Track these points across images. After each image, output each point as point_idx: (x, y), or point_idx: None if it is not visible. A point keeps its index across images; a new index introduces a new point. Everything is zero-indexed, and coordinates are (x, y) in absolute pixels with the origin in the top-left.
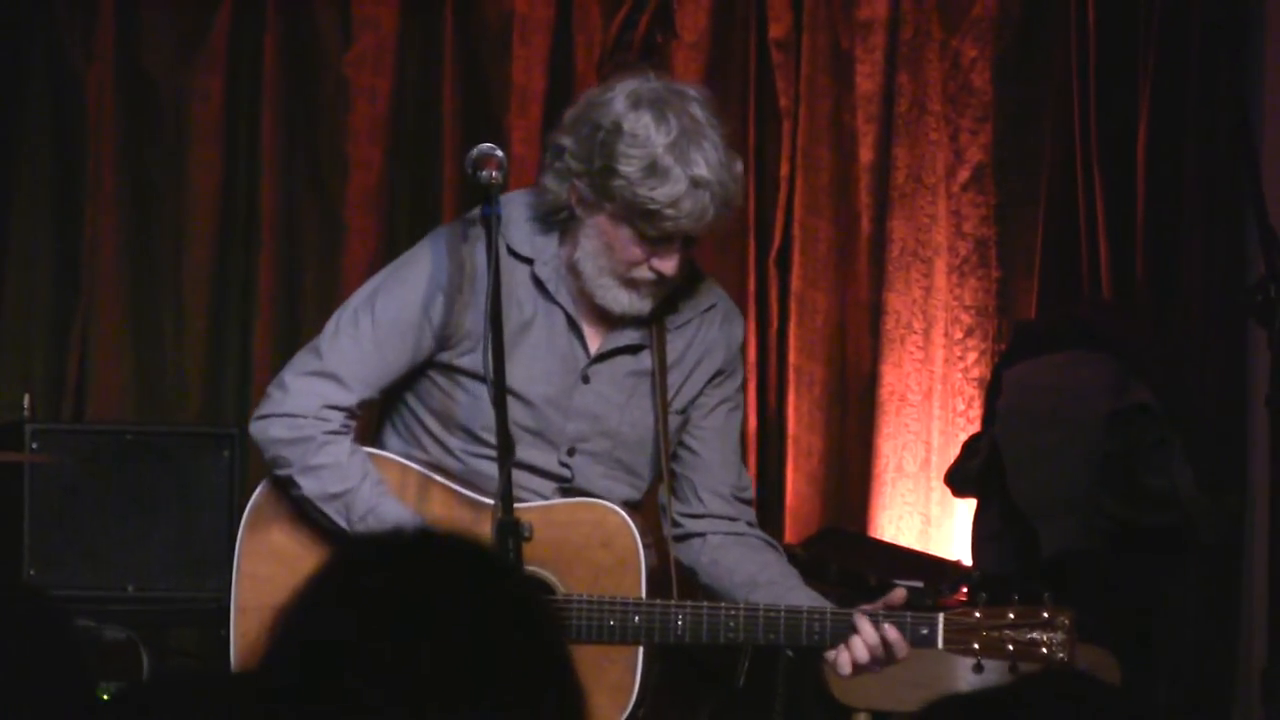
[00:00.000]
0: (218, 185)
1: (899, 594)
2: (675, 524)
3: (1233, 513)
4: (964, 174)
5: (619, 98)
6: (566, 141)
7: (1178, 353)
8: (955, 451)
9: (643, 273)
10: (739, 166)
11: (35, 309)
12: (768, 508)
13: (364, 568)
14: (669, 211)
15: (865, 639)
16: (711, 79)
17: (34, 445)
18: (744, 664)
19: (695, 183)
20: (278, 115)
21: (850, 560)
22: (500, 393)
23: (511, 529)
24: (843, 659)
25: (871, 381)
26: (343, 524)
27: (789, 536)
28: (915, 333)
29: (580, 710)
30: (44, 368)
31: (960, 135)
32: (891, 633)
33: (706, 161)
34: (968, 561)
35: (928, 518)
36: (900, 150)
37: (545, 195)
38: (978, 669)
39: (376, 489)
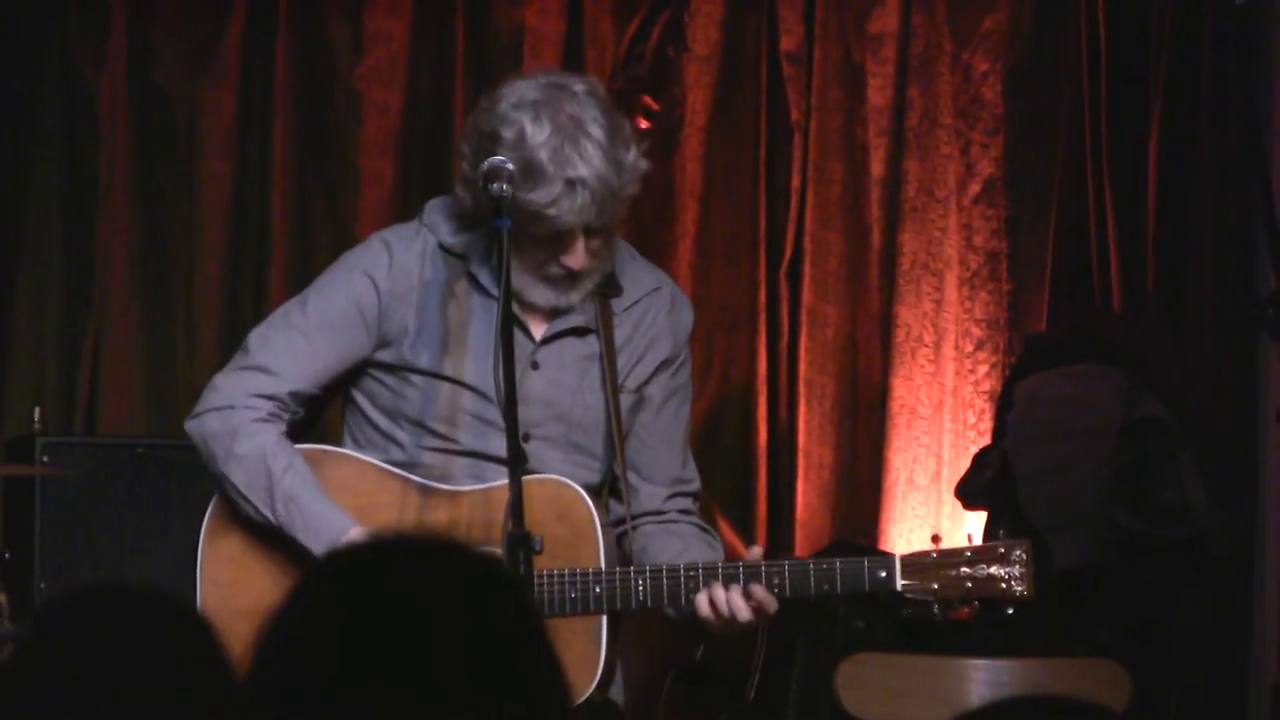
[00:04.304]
0: (229, 198)
1: (755, 551)
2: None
3: (1243, 526)
4: (975, 187)
5: (502, 102)
6: (465, 148)
7: (1189, 365)
8: (966, 464)
9: (552, 269)
10: (629, 156)
11: (47, 322)
12: (778, 520)
13: (344, 572)
14: (549, 212)
15: (710, 592)
16: (723, 92)
17: (45, 458)
18: (754, 676)
19: (571, 183)
20: (289, 128)
21: None
22: (510, 404)
23: (522, 541)
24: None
25: (882, 394)
26: (267, 513)
27: (799, 549)
28: (926, 346)
29: (565, 701)
30: (55, 381)
31: (971, 148)
32: (730, 593)
33: (583, 158)
34: None
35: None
36: (911, 163)
37: (461, 199)
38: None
39: (301, 480)
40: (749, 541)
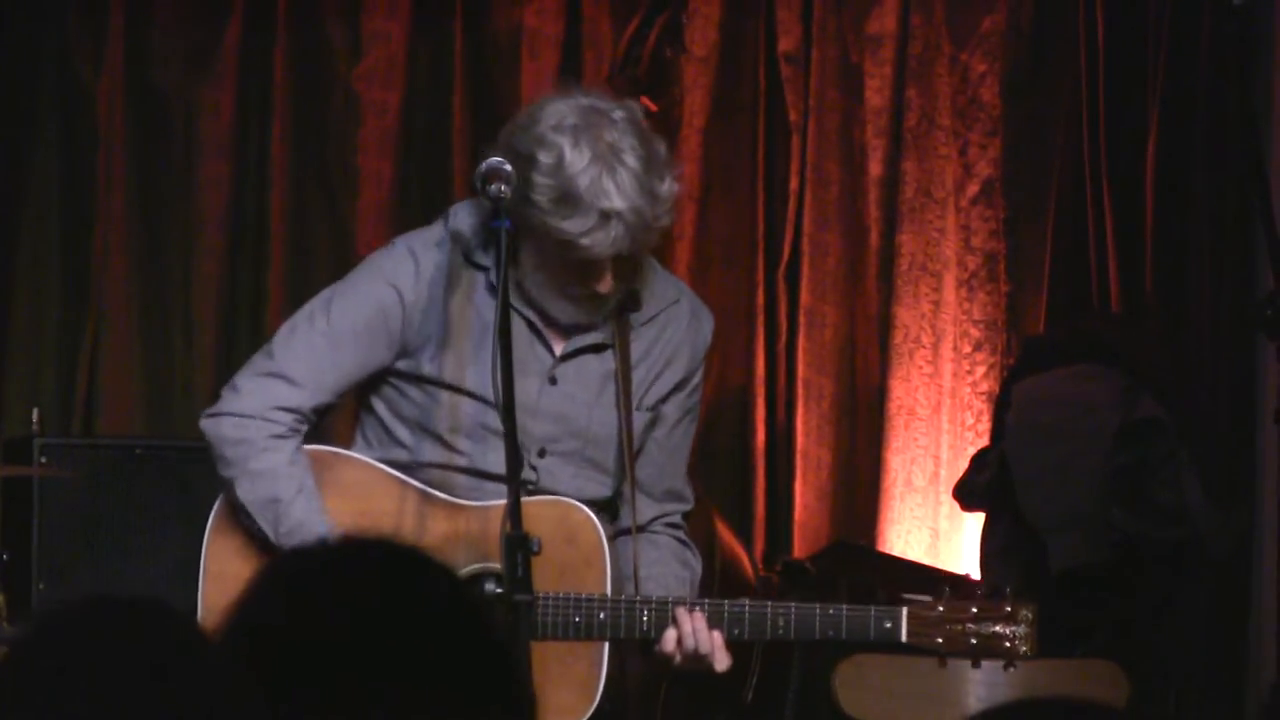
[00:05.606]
0: (227, 199)
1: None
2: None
3: (1241, 527)
4: (973, 188)
5: (540, 124)
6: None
7: (1187, 366)
8: (964, 465)
9: (577, 290)
10: (664, 186)
11: (45, 323)
12: (776, 521)
13: (297, 573)
14: (583, 242)
15: (680, 628)
16: (721, 93)
17: (42, 460)
18: (752, 678)
19: (605, 214)
20: (287, 129)
21: (859, 575)
22: (509, 409)
23: (520, 543)
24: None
25: (880, 395)
26: (270, 534)
27: (798, 550)
28: (924, 347)
29: (526, 711)
30: (53, 382)
31: (969, 149)
32: (698, 620)
33: (620, 190)
34: (976, 576)
35: (936, 532)
36: (909, 164)
37: (484, 206)
38: (975, 664)
39: (309, 506)
40: (748, 543)
